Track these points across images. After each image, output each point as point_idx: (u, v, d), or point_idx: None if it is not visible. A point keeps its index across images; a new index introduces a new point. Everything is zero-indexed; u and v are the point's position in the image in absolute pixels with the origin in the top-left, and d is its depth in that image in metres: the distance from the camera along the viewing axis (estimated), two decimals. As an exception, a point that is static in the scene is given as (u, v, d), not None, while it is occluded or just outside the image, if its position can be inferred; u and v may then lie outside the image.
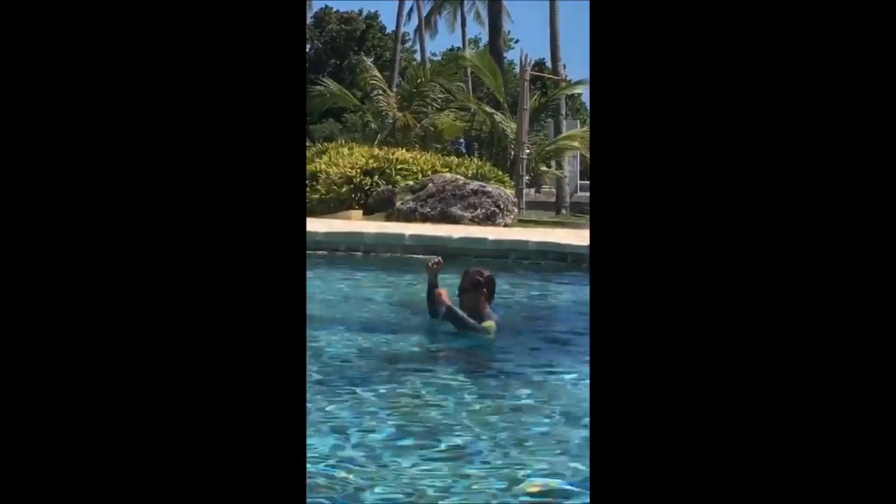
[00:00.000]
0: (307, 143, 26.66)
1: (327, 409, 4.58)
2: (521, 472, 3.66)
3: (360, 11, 49.28)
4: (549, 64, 29.74)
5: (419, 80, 24.76)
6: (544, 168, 23.27)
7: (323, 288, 8.86)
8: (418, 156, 18.84)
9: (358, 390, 4.98)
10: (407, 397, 4.96)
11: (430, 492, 3.42)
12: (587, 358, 5.47)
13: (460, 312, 6.30)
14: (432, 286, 6.62)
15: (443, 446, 4.00)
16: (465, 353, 6.14)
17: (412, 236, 12.54)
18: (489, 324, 6.33)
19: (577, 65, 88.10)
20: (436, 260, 6.81)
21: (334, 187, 17.58)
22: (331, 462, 3.69)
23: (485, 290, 6.46)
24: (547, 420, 4.55)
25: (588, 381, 4.83)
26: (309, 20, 39.41)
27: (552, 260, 11.66)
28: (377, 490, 3.42)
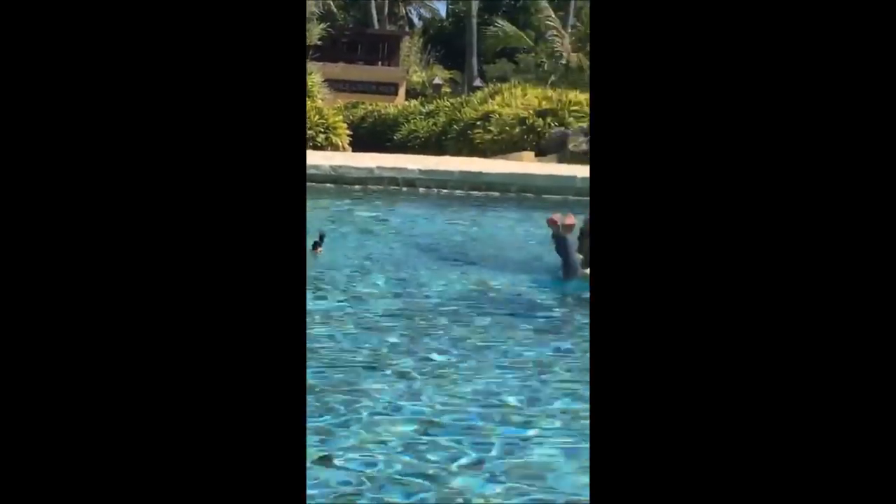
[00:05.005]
0: (480, 84, 26.73)
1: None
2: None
3: (536, -50, 48.77)
4: None
5: (594, 21, 24.40)
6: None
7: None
8: (592, 98, 18.67)
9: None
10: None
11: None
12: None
13: (576, 252, 6.20)
14: (563, 240, 6.32)
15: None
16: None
17: (583, 179, 12.52)
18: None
19: None
20: (567, 222, 6.33)
21: (507, 128, 17.66)
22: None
23: None
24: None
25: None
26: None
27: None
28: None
